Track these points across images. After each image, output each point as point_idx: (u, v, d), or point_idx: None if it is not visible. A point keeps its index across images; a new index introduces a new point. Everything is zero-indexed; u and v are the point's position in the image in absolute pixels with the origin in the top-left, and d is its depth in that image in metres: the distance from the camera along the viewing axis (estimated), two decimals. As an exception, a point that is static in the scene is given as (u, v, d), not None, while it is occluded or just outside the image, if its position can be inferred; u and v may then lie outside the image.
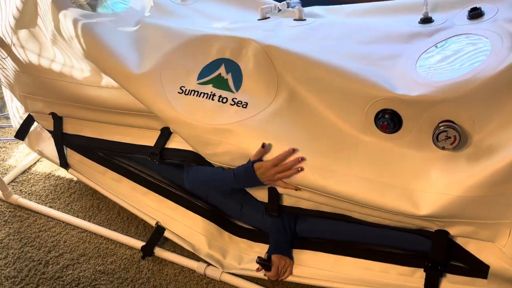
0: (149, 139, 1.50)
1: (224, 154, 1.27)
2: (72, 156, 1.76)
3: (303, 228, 1.41)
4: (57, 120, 1.65)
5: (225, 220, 1.56)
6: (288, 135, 1.21)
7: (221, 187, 1.45)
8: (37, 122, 1.77)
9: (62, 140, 1.70)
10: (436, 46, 1.18)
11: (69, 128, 1.69)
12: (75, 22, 1.37)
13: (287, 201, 1.30)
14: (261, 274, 1.37)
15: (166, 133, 1.47)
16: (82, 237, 1.66)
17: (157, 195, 1.63)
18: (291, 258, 1.40)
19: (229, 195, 1.56)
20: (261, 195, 1.32)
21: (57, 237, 1.66)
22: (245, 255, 1.46)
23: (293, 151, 1.16)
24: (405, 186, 1.09)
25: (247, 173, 1.22)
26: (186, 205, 1.59)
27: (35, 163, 2.04)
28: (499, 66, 1.00)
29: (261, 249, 1.47)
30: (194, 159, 1.40)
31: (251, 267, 1.41)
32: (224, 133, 1.24)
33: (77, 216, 1.75)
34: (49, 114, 1.65)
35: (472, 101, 1.02)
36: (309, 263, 1.37)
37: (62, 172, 1.97)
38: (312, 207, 1.28)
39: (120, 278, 1.51)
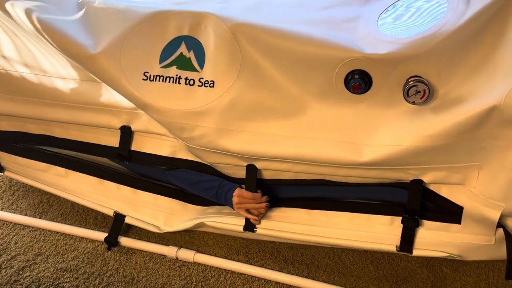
0: (109, 138, 1.44)
1: (201, 137, 1.24)
2: (4, 157, 1.61)
3: (279, 194, 1.40)
4: None
5: (189, 194, 1.51)
6: (255, 110, 1.21)
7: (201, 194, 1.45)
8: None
9: None
10: (394, 6, 1.20)
11: (4, 125, 1.53)
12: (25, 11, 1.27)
13: (266, 175, 1.30)
14: (238, 221, 1.36)
15: (127, 132, 1.41)
16: (35, 236, 1.53)
17: (110, 182, 1.54)
18: None
19: None
20: (239, 173, 1.32)
21: (6, 239, 1.52)
22: (216, 216, 1.43)
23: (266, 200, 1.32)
24: (355, 141, 1.15)
25: (229, 196, 1.33)
26: (145, 187, 1.52)
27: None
28: (459, 20, 1.03)
29: (231, 210, 1.41)
30: (165, 163, 1.39)
31: (228, 221, 1.38)
32: (197, 116, 1.22)
33: (26, 214, 1.60)
34: None
35: (437, 56, 1.05)
36: (285, 219, 1.36)
37: (0, 170, 1.79)
38: (291, 177, 1.29)
39: (85, 273, 1.41)
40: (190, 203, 1.51)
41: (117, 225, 1.48)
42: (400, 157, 1.10)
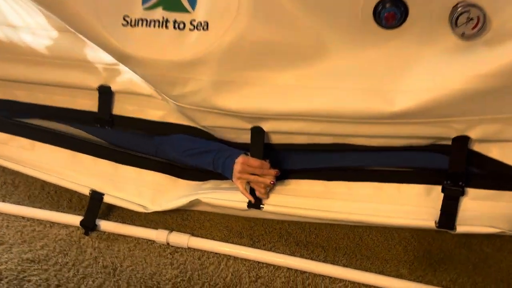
0: (87, 101, 1.20)
1: (195, 94, 1.01)
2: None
3: (290, 164, 1.18)
4: None
5: (180, 168, 1.28)
6: (260, 56, 0.97)
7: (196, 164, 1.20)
8: None
9: None
10: None
11: None
12: None
13: (275, 139, 1.08)
14: (241, 197, 1.13)
15: (107, 92, 1.17)
16: (-4, 222, 1.28)
17: (85, 155, 1.30)
18: None
19: None
20: (242, 137, 1.10)
21: (-39, 227, 1.26)
22: (214, 192, 1.19)
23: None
24: (386, 88, 0.92)
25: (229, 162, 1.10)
26: (127, 160, 1.28)
27: None
28: None
29: (231, 185, 1.17)
30: (153, 129, 1.17)
31: (230, 197, 1.15)
32: (190, 67, 0.98)
33: (-14, 198, 1.35)
34: None
35: None
36: (298, 192, 1.13)
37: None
38: (305, 141, 1.07)
39: (57, 264, 1.17)
40: (182, 178, 1.28)
41: (94, 205, 1.24)
42: (443, 105, 0.88)
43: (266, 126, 1.04)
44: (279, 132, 1.05)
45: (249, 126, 1.05)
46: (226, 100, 1.01)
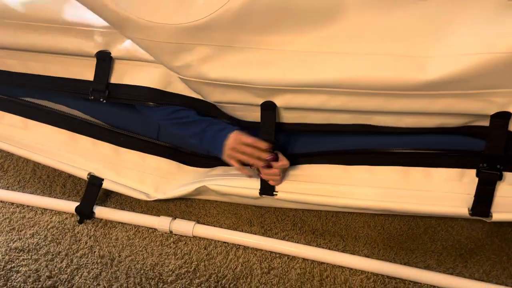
0: (83, 70, 1.08)
1: (200, 63, 0.91)
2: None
3: (305, 147, 1.07)
4: None
5: (185, 153, 1.17)
6: (275, 18, 0.86)
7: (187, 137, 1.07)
8: None
9: None
10: None
11: None
12: None
13: (288, 117, 0.97)
14: (252, 184, 1.02)
15: (106, 59, 1.05)
16: (-17, 208, 1.17)
17: (84, 137, 1.18)
18: None
19: None
20: (251, 115, 0.98)
21: None
22: (223, 179, 1.08)
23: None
24: (417, 53, 0.82)
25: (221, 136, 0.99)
26: (130, 144, 1.17)
27: None
28: None
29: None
30: (152, 97, 1.04)
31: (239, 183, 1.04)
32: (197, 33, 0.87)
33: (-28, 183, 1.24)
34: None
35: None
36: (315, 178, 1.02)
37: None
38: (322, 120, 0.96)
39: (48, 253, 1.06)
40: (187, 164, 1.17)
41: (92, 191, 1.12)
42: (485, 72, 0.78)
43: (279, 101, 0.93)
44: (293, 108, 0.94)
45: (260, 101, 0.94)
46: (235, 69, 0.90)
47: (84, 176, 1.13)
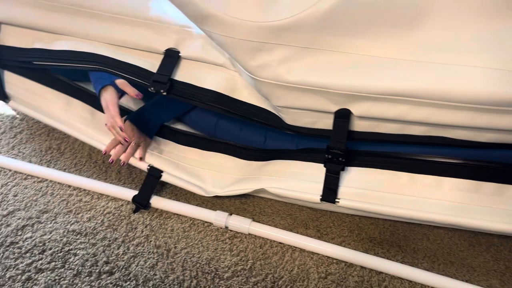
0: (149, 61, 1.08)
1: (279, 64, 0.88)
2: (13, 82, 1.25)
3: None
4: None
5: (240, 148, 1.17)
6: (366, 19, 0.83)
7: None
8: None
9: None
10: None
11: (9, 39, 1.18)
12: None
13: (360, 125, 0.94)
14: (313, 189, 1.00)
15: (174, 56, 1.05)
16: (41, 188, 1.18)
17: None
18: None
19: (249, 126, 1.17)
20: (321, 121, 0.96)
21: (2, 190, 1.16)
22: (280, 180, 1.05)
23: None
24: None
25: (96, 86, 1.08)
26: (187, 142, 1.18)
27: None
28: None
29: (300, 168, 1.04)
30: (216, 100, 1.03)
31: (299, 187, 1.02)
32: (279, 32, 0.85)
33: (29, 162, 1.25)
34: None
35: None
36: (379, 185, 0.97)
37: (-1, 108, 1.44)
38: (395, 131, 0.93)
39: (105, 239, 1.06)
40: (242, 158, 1.16)
41: (151, 182, 1.12)
42: None
43: (356, 108, 0.90)
44: (370, 117, 0.91)
45: (335, 108, 0.92)
46: (315, 72, 0.88)
47: (144, 167, 1.13)
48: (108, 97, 1.07)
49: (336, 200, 0.98)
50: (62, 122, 1.19)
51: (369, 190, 0.98)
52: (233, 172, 1.14)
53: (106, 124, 1.08)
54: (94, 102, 1.19)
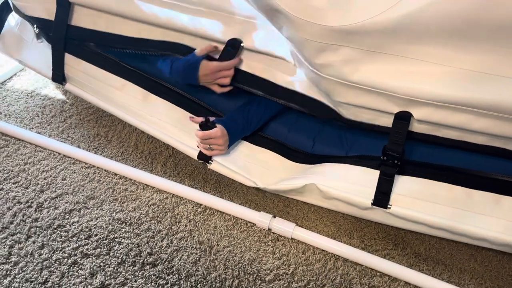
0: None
1: (344, 64, 0.88)
2: (72, 64, 1.27)
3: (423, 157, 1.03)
4: (63, 7, 1.15)
5: (288, 148, 1.17)
6: (443, 32, 0.80)
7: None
8: (19, 9, 1.24)
9: (65, 37, 1.21)
10: None
11: (83, 20, 1.19)
12: None
13: (420, 128, 0.93)
14: (364, 192, 1.00)
15: (236, 45, 1.06)
16: (88, 174, 1.19)
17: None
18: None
19: (296, 129, 1.17)
20: (380, 119, 0.95)
21: (51, 173, 1.19)
22: (331, 179, 1.05)
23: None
24: None
25: (191, 67, 1.07)
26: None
27: (11, 77, 1.52)
28: None
29: (347, 170, 1.04)
30: (274, 92, 1.05)
31: (351, 189, 1.01)
32: (349, 36, 0.84)
33: (78, 147, 1.27)
34: None
35: None
36: (431, 198, 0.96)
37: (50, 91, 1.46)
38: (455, 137, 0.91)
39: (149, 230, 1.07)
40: (291, 160, 1.16)
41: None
42: None
43: (417, 112, 0.89)
44: (430, 122, 0.90)
45: (396, 109, 0.91)
46: (380, 75, 0.87)
47: (195, 155, 1.14)
48: (207, 63, 1.06)
49: (388, 205, 0.96)
50: (115, 105, 1.21)
51: (421, 200, 0.96)
52: (280, 171, 1.14)
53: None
54: (148, 84, 1.21)
